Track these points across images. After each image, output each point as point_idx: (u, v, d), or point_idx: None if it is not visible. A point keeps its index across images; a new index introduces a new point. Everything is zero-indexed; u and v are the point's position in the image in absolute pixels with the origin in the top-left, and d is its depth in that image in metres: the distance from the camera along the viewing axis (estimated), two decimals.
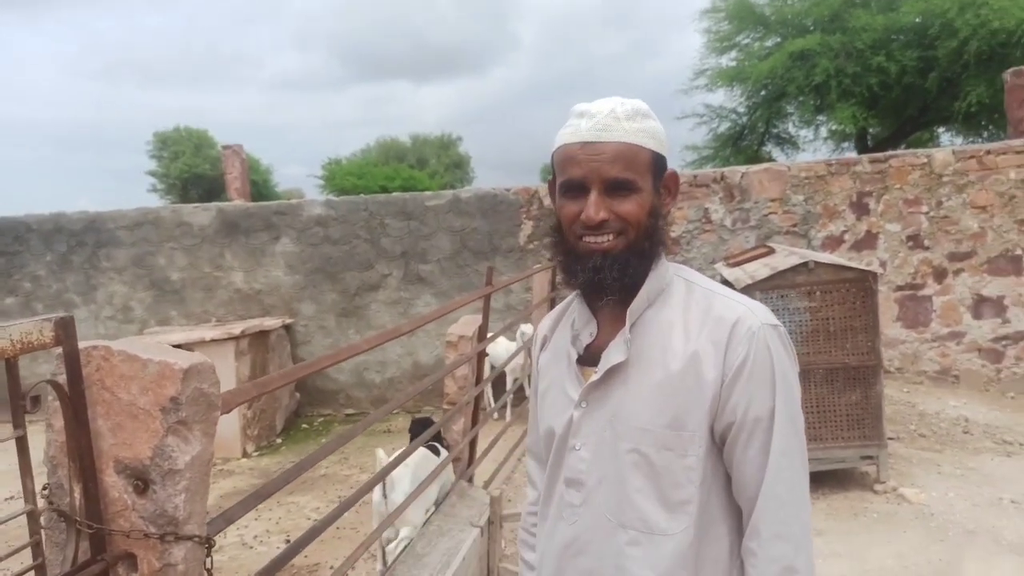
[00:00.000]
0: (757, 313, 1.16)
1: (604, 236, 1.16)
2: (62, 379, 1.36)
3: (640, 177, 1.16)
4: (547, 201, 7.87)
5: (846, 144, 17.42)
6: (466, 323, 4.35)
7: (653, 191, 1.19)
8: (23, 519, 1.38)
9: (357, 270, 8.20)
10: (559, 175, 1.21)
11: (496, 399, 7.20)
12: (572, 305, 1.32)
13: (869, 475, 4.84)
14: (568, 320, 1.32)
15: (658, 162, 1.19)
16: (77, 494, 1.39)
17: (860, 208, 7.38)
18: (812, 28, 14.45)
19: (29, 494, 1.36)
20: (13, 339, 1.23)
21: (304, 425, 8.11)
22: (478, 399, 4.29)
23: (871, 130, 16.24)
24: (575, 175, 1.17)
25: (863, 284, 4.58)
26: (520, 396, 7.20)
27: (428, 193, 8.33)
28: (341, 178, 24.07)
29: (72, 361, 1.36)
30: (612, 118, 1.16)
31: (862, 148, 16.10)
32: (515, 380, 6.70)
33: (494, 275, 4.31)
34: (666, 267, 1.24)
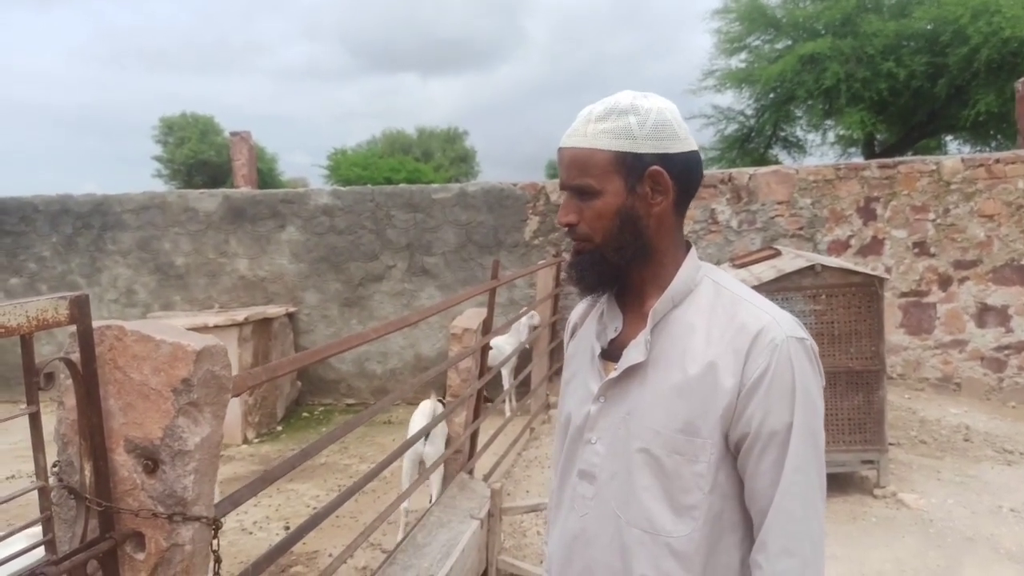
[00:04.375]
0: (783, 324, 1.13)
1: (577, 238, 1.22)
2: (75, 357, 1.36)
3: (598, 180, 1.16)
4: (554, 196, 7.86)
5: (853, 149, 17.40)
6: (471, 316, 4.36)
7: (625, 191, 1.16)
8: (25, 498, 1.39)
9: (362, 260, 8.20)
10: None
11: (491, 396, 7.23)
12: (603, 297, 1.31)
13: (869, 480, 4.84)
14: (597, 312, 1.32)
15: (627, 161, 1.15)
16: (87, 472, 1.39)
17: (867, 213, 7.36)
18: (823, 32, 14.41)
19: (41, 470, 1.36)
20: (29, 316, 1.23)
21: (304, 414, 8.12)
22: (480, 392, 4.30)
23: (878, 136, 16.21)
24: (559, 178, 1.24)
25: (869, 289, 4.57)
26: (522, 391, 7.20)
27: (435, 186, 8.32)
28: (346, 168, 24.10)
29: (86, 340, 1.36)
30: (584, 121, 1.19)
31: (869, 154, 16.08)
32: (511, 371, 6.74)
33: (499, 269, 4.32)
34: (696, 267, 1.23)
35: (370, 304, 8.23)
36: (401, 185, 8.45)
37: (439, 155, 31.37)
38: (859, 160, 11.53)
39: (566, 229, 1.23)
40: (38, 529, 1.41)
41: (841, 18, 13.93)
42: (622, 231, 1.18)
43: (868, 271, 4.72)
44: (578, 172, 1.17)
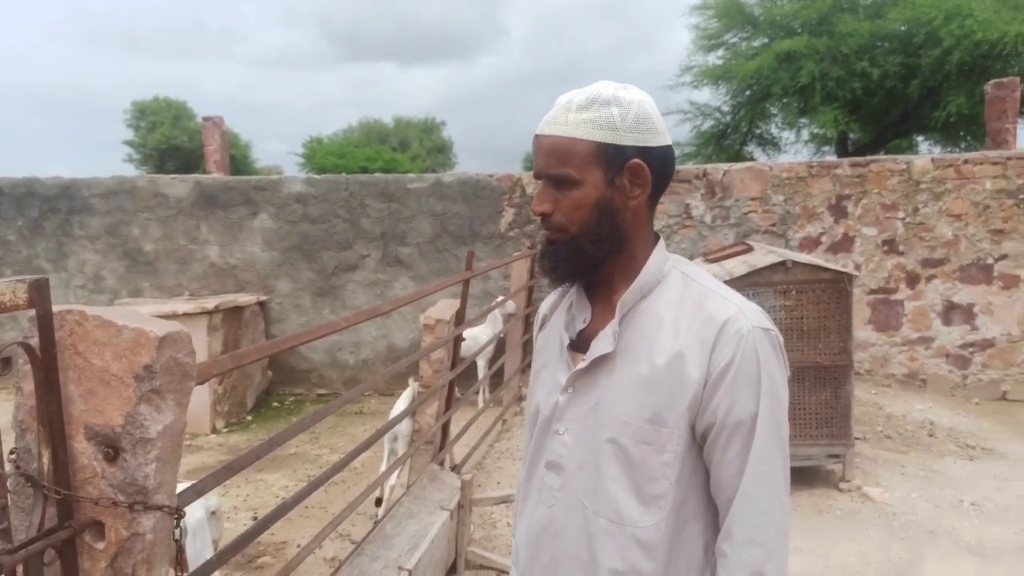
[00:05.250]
0: (749, 315, 1.13)
1: (551, 228, 1.20)
2: (34, 342, 1.33)
3: (577, 171, 1.14)
4: (530, 189, 7.85)
5: (827, 148, 17.58)
6: (444, 307, 4.34)
7: (604, 183, 1.15)
8: None
9: (335, 249, 8.13)
10: None
11: (461, 388, 7.24)
12: (572, 288, 1.31)
13: (835, 473, 4.91)
14: (567, 303, 1.32)
15: (608, 152, 1.14)
16: (45, 459, 1.36)
17: (838, 211, 7.45)
18: (799, 30, 14.51)
19: None
20: None
21: (275, 404, 8.05)
22: (452, 384, 4.29)
23: (852, 135, 16.39)
24: (534, 166, 1.21)
25: (839, 285, 4.63)
26: (495, 383, 7.19)
27: (410, 175, 8.27)
28: (322, 157, 23.89)
29: (45, 324, 1.33)
30: (564, 109, 1.17)
31: (842, 153, 16.25)
32: (486, 362, 6.76)
33: (473, 261, 4.30)
34: (665, 259, 1.23)
35: (343, 294, 8.17)
36: (376, 174, 8.38)
37: (416, 145, 31.18)
38: (832, 158, 11.65)
39: (540, 218, 1.21)
40: None
41: (817, 17, 14.04)
42: (600, 223, 1.17)
43: (838, 268, 4.78)
44: (556, 161, 1.15)
